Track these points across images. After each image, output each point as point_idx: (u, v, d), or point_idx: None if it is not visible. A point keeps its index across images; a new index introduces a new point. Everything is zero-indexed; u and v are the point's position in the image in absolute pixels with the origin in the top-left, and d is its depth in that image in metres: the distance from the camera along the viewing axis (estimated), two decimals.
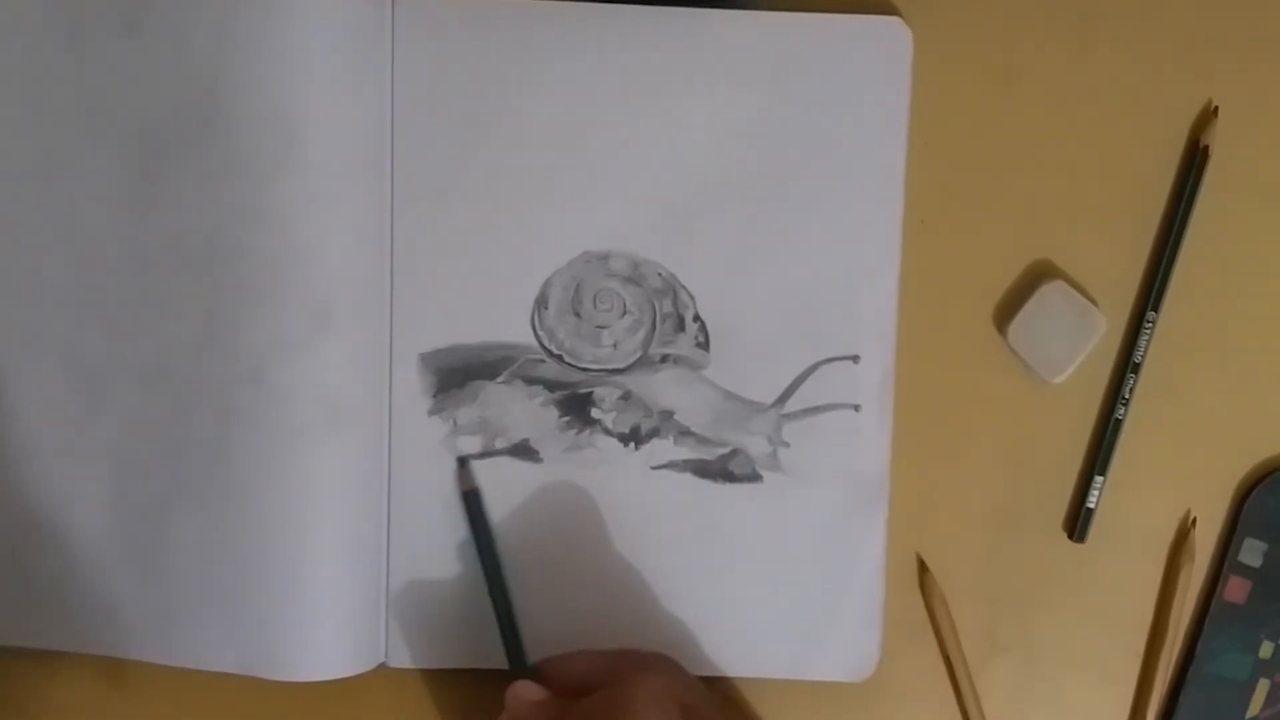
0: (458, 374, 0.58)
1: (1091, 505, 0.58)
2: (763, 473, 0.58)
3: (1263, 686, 0.58)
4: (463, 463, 0.57)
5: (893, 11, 0.57)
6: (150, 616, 0.57)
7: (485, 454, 0.58)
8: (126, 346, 0.57)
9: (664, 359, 0.58)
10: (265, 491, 0.56)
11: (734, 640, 0.58)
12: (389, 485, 0.58)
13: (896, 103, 0.57)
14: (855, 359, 0.58)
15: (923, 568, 0.59)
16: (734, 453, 0.58)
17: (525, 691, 0.54)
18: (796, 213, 0.57)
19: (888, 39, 0.57)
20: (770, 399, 0.58)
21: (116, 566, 0.57)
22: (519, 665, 0.56)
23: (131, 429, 0.57)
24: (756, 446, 0.58)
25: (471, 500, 0.57)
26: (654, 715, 0.50)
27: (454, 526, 0.58)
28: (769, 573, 0.58)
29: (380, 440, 0.57)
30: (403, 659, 0.58)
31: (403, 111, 0.57)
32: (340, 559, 0.56)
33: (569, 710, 0.52)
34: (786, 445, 0.58)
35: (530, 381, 0.58)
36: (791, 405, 0.58)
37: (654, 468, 0.58)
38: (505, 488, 0.58)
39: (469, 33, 0.57)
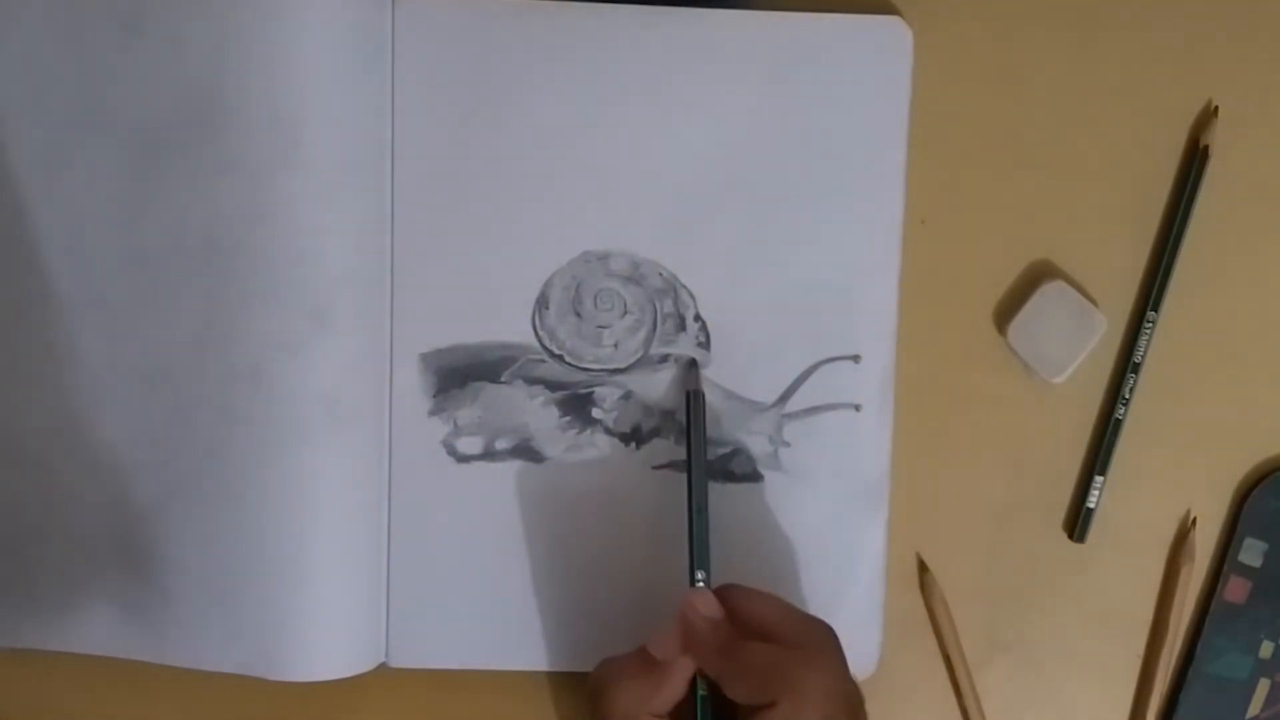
0: (458, 374, 0.58)
1: (1091, 505, 0.58)
2: (763, 472, 0.58)
3: (1263, 686, 0.58)
4: (692, 363, 0.57)
5: (893, 11, 0.57)
6: (150, 616, 0.57)
7: (486, 454, 0.58)
8: (126, 346, 0.57)
9: (665, 359, 0.58)
10: (265, 491, 0.56)
11: None
12: (389, 485, 0.58)
13: (896, 103, 0.57)
14: (856, 359, 0.58)
15: (923, 568, 0.59)
16: (735, 452, 0.58)
17: (704, 604, 0.53)
18: (797, 212, 0.57)
19: (888, 39, 0.57)
20: (771, 398, 0.58)
21: (116, 567, 0.57)
22: (703, 568, 0.55)
23: (131, 428, 0.57)
24: (757, 446, 0.58)
25: (694, 400, 0.56)
26: (823, 710, 0.49)
27: (454, 525, 0.58)
28: (769, 572, 0.58)
29: (380, 440, 0.57)
30: (403, 659, 0.58)
31: (403, 111, 0.57)
32: (340, 559, 0.56)
33: (738, 645, 0.51)
34: (787, 445, 0.58)
35: (531, 381, 0.58)
36: (792, 405, 0.58)
37: (655, 467, 0.58)
38: (506, 488, 0.58)
39: (469, 32, 0.57)
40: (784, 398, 0.58)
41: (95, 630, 0.58)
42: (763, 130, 0.57)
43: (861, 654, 0.58)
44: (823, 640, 0.52)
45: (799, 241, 0.57)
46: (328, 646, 0.57)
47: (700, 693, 0.52)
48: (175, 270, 0.56)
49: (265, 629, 0.56)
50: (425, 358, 0.58)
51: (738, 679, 0.50)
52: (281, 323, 0.55)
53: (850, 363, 0.58)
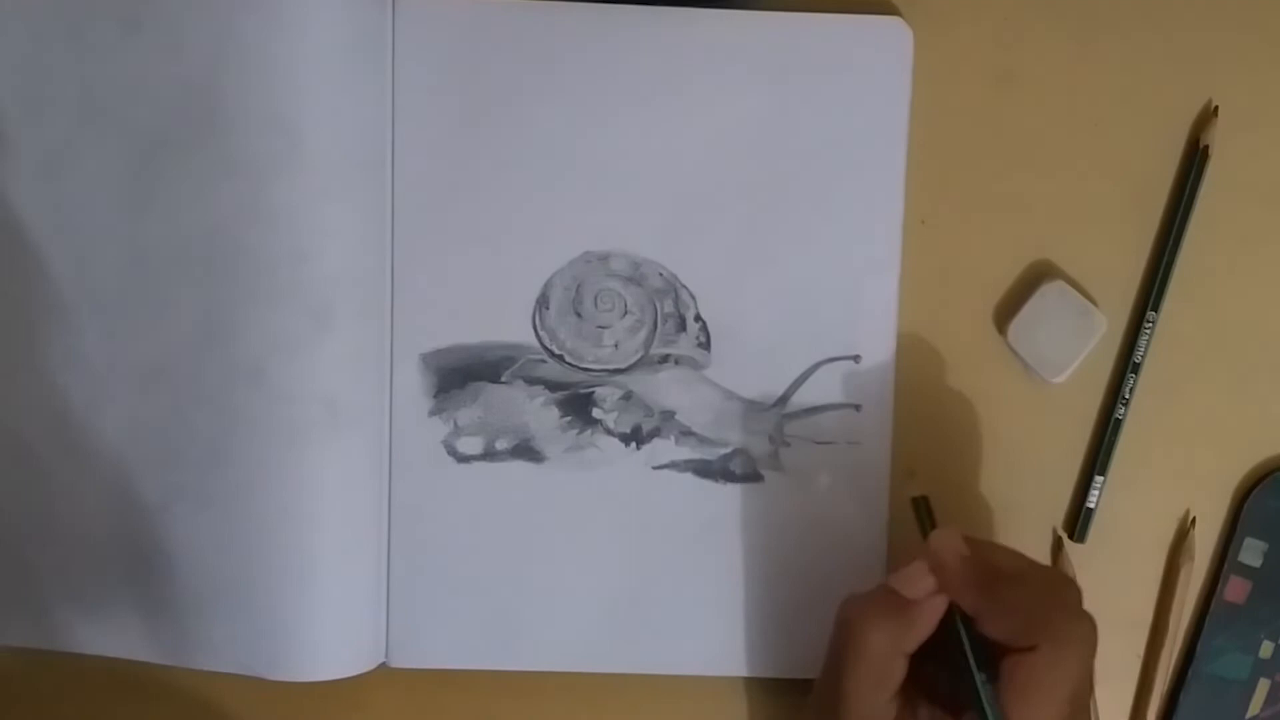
0: (458, 374, 0.58)
1: (1091, 505, 0.58)
2: (764, 472, 0.58)
3: (1263, 686, 0.58)
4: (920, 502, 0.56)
5: (893, 12, 0.57)
6: (150, 617, 0.57)
7: (486, 455, 0.58)
8: (126, 345, 0.57)
9: (665, 359, 0.58)
10: (265, 491, 0.56)
11: (734, 639, 0.58)
12: (389, 485, 0.58)
13: (896, 103, 0.57)
14: (856, 359, 0.58)
15: None
16: (735, 452, 0.58)
17: (953, 541, 0.52)
18: (797, 213, 0.57)
19: (888, 39, 0.57)
20: (771, 399, 0.58)
21: (116, 566, 0.57)
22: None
23: (131, 428, 0.57)
24: (757, 446, 0.58)
25: (920, 505, 0.55)
26: (1084, 663, 0.49)
27: (454, 525, 0.58)
28: (769, 572, 0.58)
29: (380, 440, 0.57)
30: (403, 659, 0.58)
31: (403, 111, 0.57)
32: (340, 559, 0.56)
33: (997, 583, 0.50)
34: (787, 445, 0.58)
35: (531, 382, 0.58)
36: (792, 405, 0.58)
37: (655, 468, 0.58)
38: (506, 488, 0.58)
39: (470, 32, 0.57)
40: (784, 398, 0.58)
41: (95, 630, 0.58)
42: (763, 130, 0.57)
43: None
44: (1075, 595, 0.51)
45: (799, 241, 0.57)
46: (328, 646, 0.57)
47: (962, 629, 0.51)
48: (175, 270, 0.56)
49: (265, 629, 0.56)
50: (426, 358, 0.58)
51: (999, 617, 0.50)
52: (282, 323, 0.55)
53: (850, 363, 0.58)
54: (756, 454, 0.58)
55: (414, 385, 0.58)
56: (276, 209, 0.55)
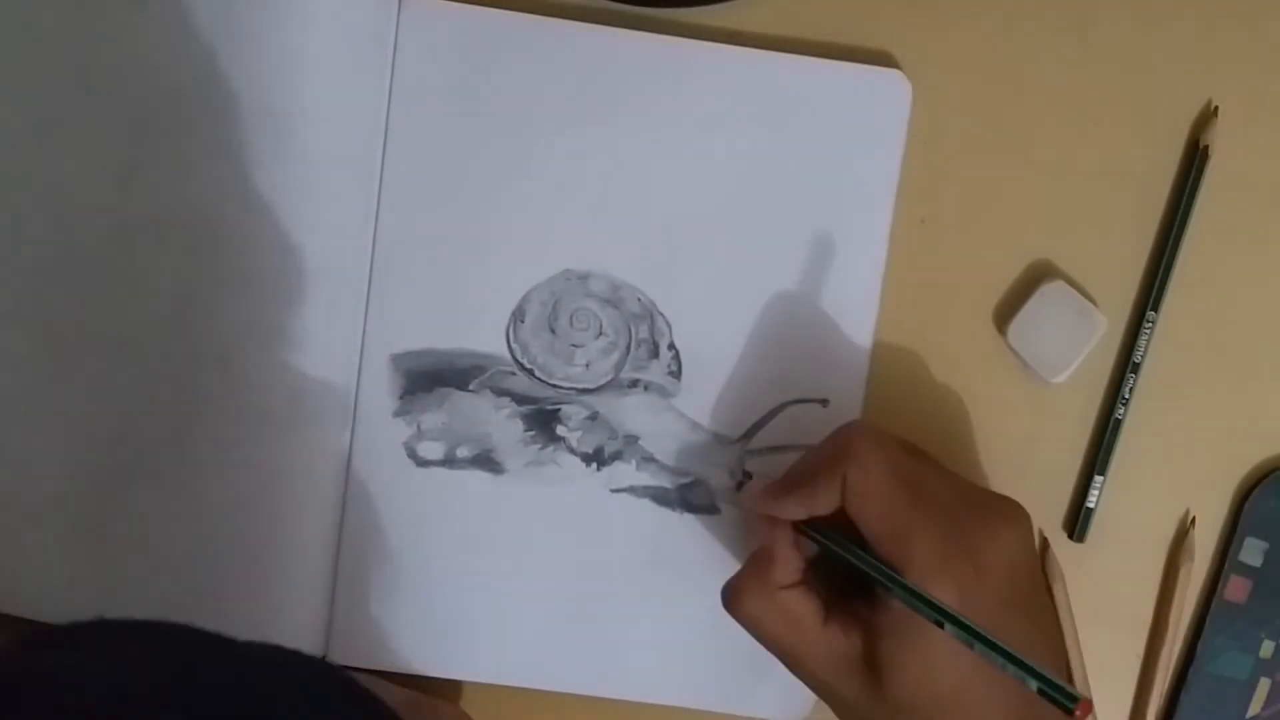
0: (426, 378, 0.57)
1: (1091, 505, 0.58)
2: (720, 505, 0.58)
3: (1263, 685, 0.58)
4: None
5: (892, 48, 0.57)
6: (94, 590, 0.57)
7: (446, 461, 0.57)
8: (99, 316, 0.56)
9: (634, 384, 0.58)
10: (221, 476, 0.56)
11: (677, 669, 0.58)
12: (346, 482, 0.57)
13: (889, 154, 0.57)
14: (824, 403, 0.58)
15: None
16: (694, 483, 0.58)
17: (753, 488, 0.55)
18: (779, 254, 0.57)
19: (887, 91, 0.57)
20: (736, 433, 0.58)
21: (65, 535, 0.57)
22: None
23: (95, 400, 0.56)
24: (717, 479, 0.58)
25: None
26: (877, 447, 0.50)
27: (408, 528, 0.57)
28: (717, 606, 0.57)
29: (342, 436, 0.57)
30: (341, 655, 0.57)
31: (398, 113, 0.56)
32: (288, 550, 0.56)
33: (794, 464, 0.53)
34: (748, 479, 0.58)
35: (499, 393, 0.57)
36: (756, 442, 0.58)
37: (614, 490, 0.58)
38: (463, 496, 0.58)
39: (472, 41, 0.56)
40: (749, 434, 0.58)
41: (43, 595, 0.57)
42: (754, 168, 0.57)
43: (798, 697, 0.57)
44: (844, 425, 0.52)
45: (779, 282, 0.57)
46: (266, 634, 0.56)
47: (828, 541, 0.51)
48: (155, 247, 0.56)
49: (204, 611, 0.55)
50: (396, 359, 0.57)
51: (820, 495, 0.50)
52: (255, 311, 0.55)
53: (818, 405, 0.58)
54: (715, 486, 0.58)
55: (381, 385, 0.57)
56: (260, 197, 0.55)
